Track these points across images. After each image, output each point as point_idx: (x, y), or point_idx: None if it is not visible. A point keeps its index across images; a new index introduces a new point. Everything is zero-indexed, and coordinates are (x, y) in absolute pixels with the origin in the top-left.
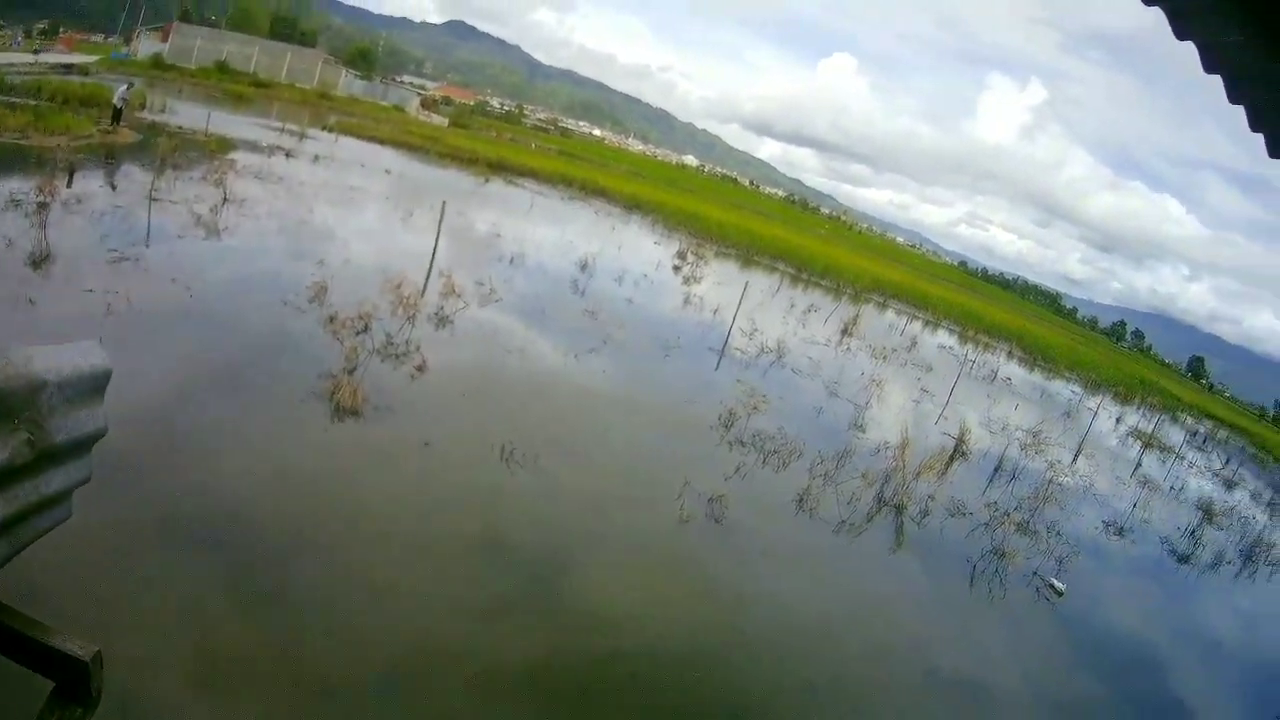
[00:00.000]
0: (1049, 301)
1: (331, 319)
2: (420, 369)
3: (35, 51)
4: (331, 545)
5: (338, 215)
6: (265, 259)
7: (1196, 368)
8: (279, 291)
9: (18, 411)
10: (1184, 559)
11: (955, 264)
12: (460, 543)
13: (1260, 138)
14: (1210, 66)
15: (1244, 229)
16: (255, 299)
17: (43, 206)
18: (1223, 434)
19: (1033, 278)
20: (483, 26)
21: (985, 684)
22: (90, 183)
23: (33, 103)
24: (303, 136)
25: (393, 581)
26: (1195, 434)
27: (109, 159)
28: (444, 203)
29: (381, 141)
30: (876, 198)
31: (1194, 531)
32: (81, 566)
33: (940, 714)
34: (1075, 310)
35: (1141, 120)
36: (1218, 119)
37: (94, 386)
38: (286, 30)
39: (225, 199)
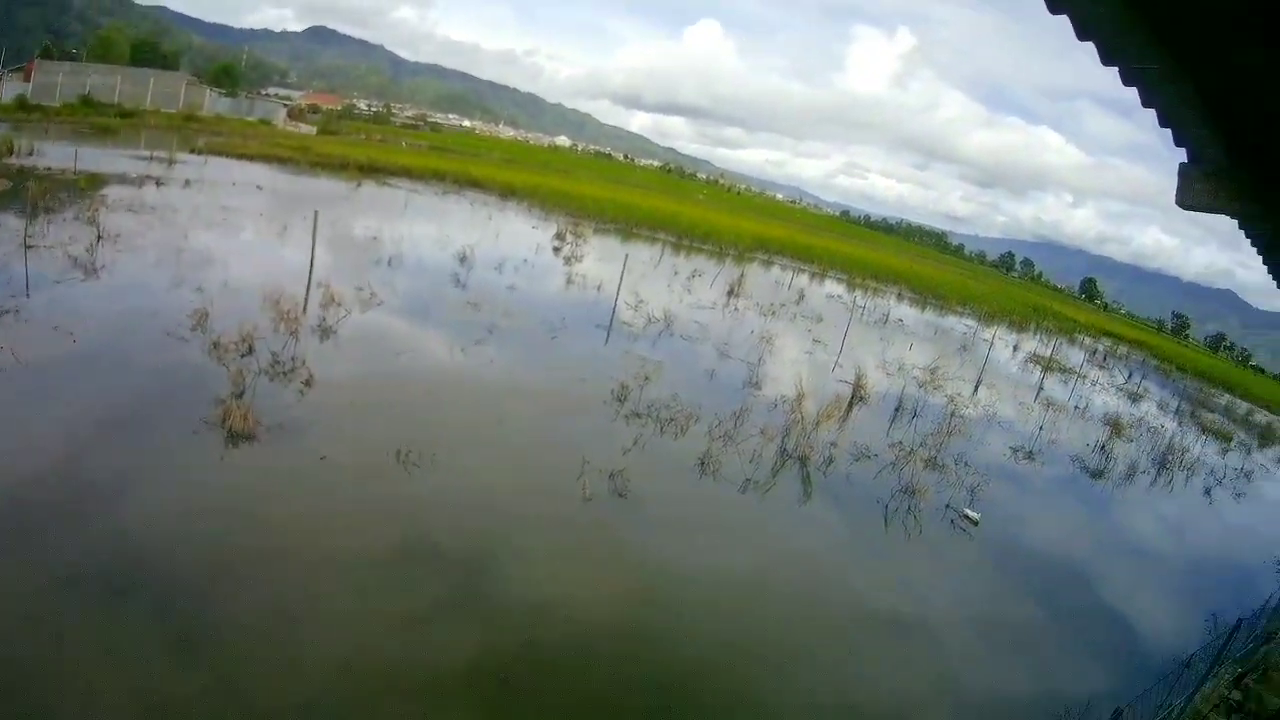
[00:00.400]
0: (934, 241)
1: (215, 344)
2: (308, 383)
3: None
4: (246, 574)
5: (213, 238)
6: (145, 293)
7: (1089, 289)
8: (161, 324)
9: None
10: (1097, 474)
11: (837, 214)
12: (372, 554)
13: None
14: None
15: (1124, 152)
16: (139, 335)
17: None
18: (1123, 350)
19: (916, 219)
20: (344, 29)
21: (917, 620)
22: None
23: None
24: (172, 162)
25: (313, 602)
26: (1095, 353)
27: None
28: (316, 213)
29: (251, 158)
30: (752, 158)
31: (1104, 447)
32: (49, 628)
33: (876, 655)
34: (962, 247)
35: (1012, 56)
36: (1088, 48)
37: None
38: (148, 56)
39: (100, 237)
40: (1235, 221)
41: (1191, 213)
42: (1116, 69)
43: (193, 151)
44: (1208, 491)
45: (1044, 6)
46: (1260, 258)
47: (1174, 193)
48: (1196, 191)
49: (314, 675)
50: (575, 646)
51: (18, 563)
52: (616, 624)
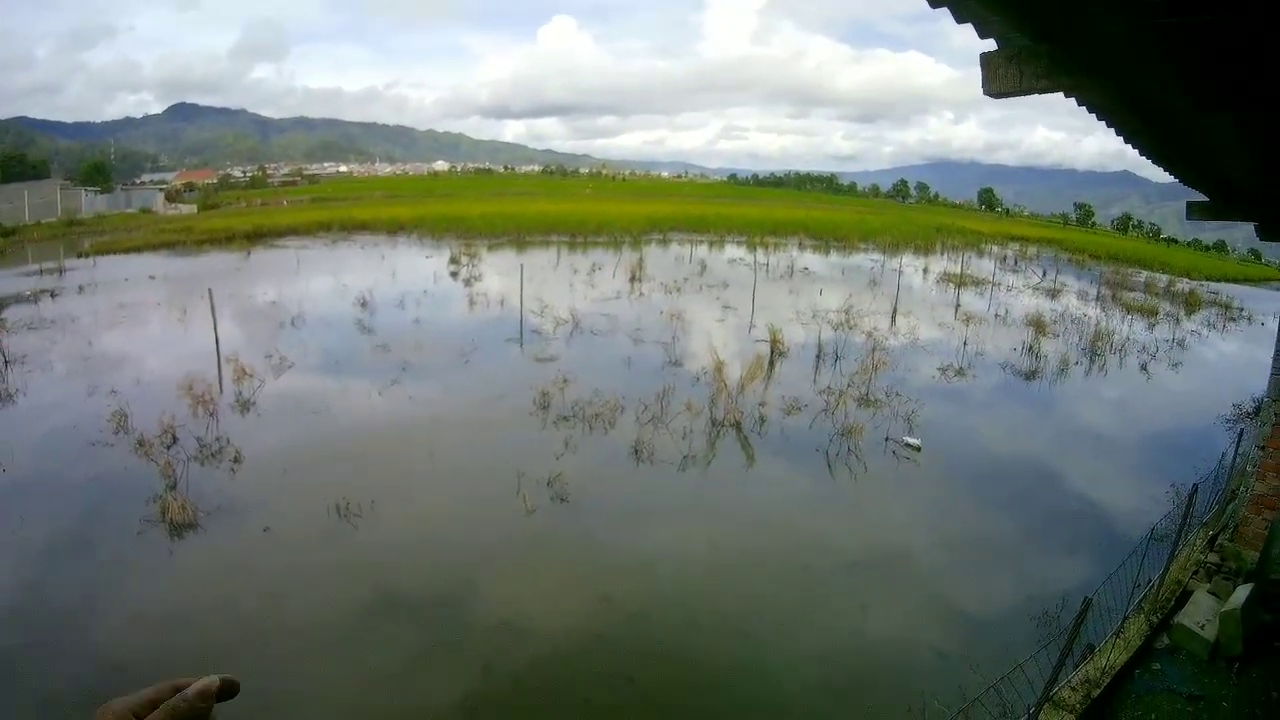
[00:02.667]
0: (825, 184)
1: (140, 443)
2: (237, 460)
3: None
4: (219, 659)
5: (117, 338)
6: (61, 408)
7: (987, 199)
8: (83, 435)
9: None
10: (1029, 375)
11: (724, 179)
12: (334, 614)
13: None
14: None
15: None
16: (64, 450)
17: None
18: (1032, 251)
19: (804, 167)
20: (205, 101)
21: (884, 555)
22: None
23: None
24: (62, 271)
25: (288, 673)
26: (1005, 259)
27: None
28: (210, 290)
29: (139, 249)
30: (630, 142)
31: (1031, 348)
32: None
33: (856, 596)
34: (854, 185)
35: None
36: None
37: None
38: (17, 169)
39: (6, 361)
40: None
41: (1008, 98)
42: None
43: (80, 256)
44: (1144, 368)
45: None
46: (1106, 125)
47: (981, 83)
48: (1001, 77)
49: None
50: (553, 659)
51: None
52: (589, 628)
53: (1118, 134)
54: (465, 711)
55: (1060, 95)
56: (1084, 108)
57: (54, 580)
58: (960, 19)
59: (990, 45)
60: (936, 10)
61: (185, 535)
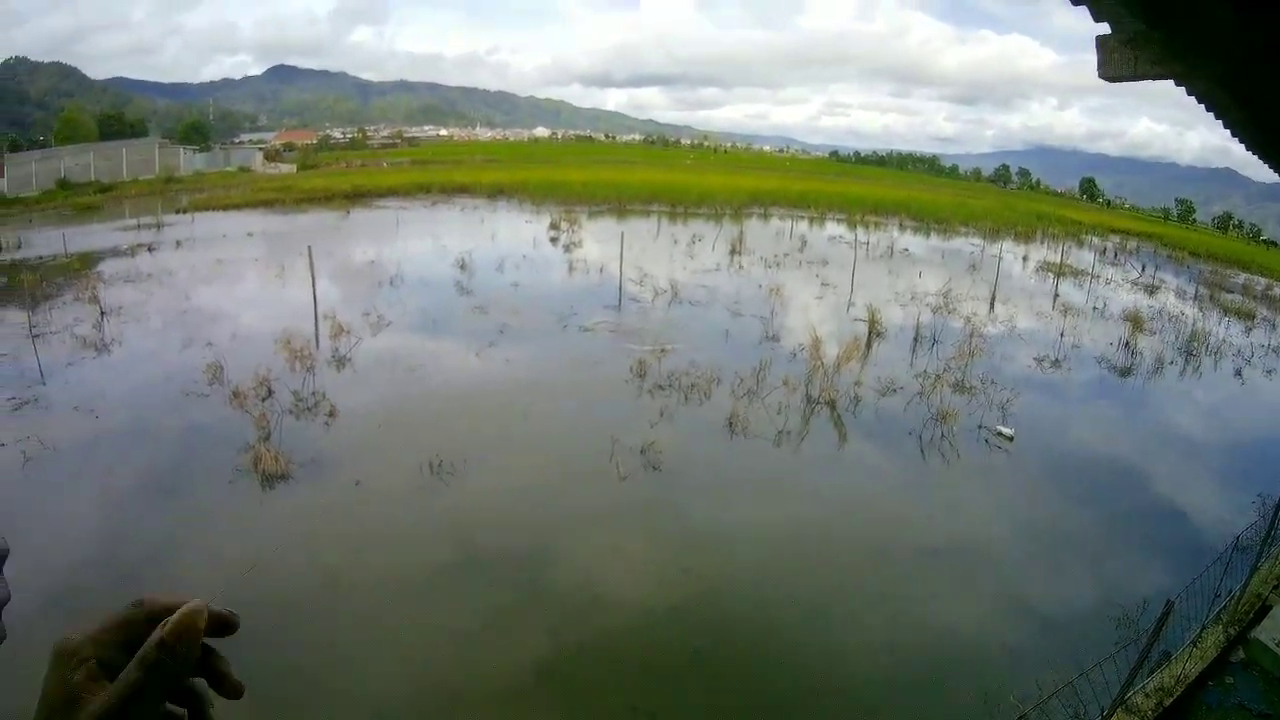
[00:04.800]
0: (927, 166)
1: (235, 394)
2: (332, 414)
3: None
4: (307, 609)
5: (214, 293)
6: (157, 359)
7: (1088, 188)
8: (178, 385)
9: None
10: (1124, 372)
11: (826, 156)
12: (423, 568)
13: None
14: None
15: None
16: (158, 399)
17: None
18: (1132, 244)
19: (905, 147)
20: (304, 64)
21: (969, 543)
22: None
23: None
24: (159, 227)
25: (375, 624)
26: (1105, 251)
27: None
28: (310, 248)
29: (237, 207)
30: (733, 115)
31: (1128, 343)
32: None
33: (937, 582)
34: (955, 167)
35: None
36: None
37: None
38: (116, 128)
39: (104, 313)
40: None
41: (1124, 83)
42: None
43: (178, 212)
44: (1238, 373)
45: None
46: (1213, 117)
47: (1096, 66)
48: (1115, 61)
49: (388, 697)
50: (626, 628)
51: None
52: (666, 599)
53: (1225, 126)
54: (532, 673)
55: (1165, 85)
56: (1193, 98)
57: (142, 525)
58: (1077, 1)
59: (1104, 29)
60: None
61: (276, 485)
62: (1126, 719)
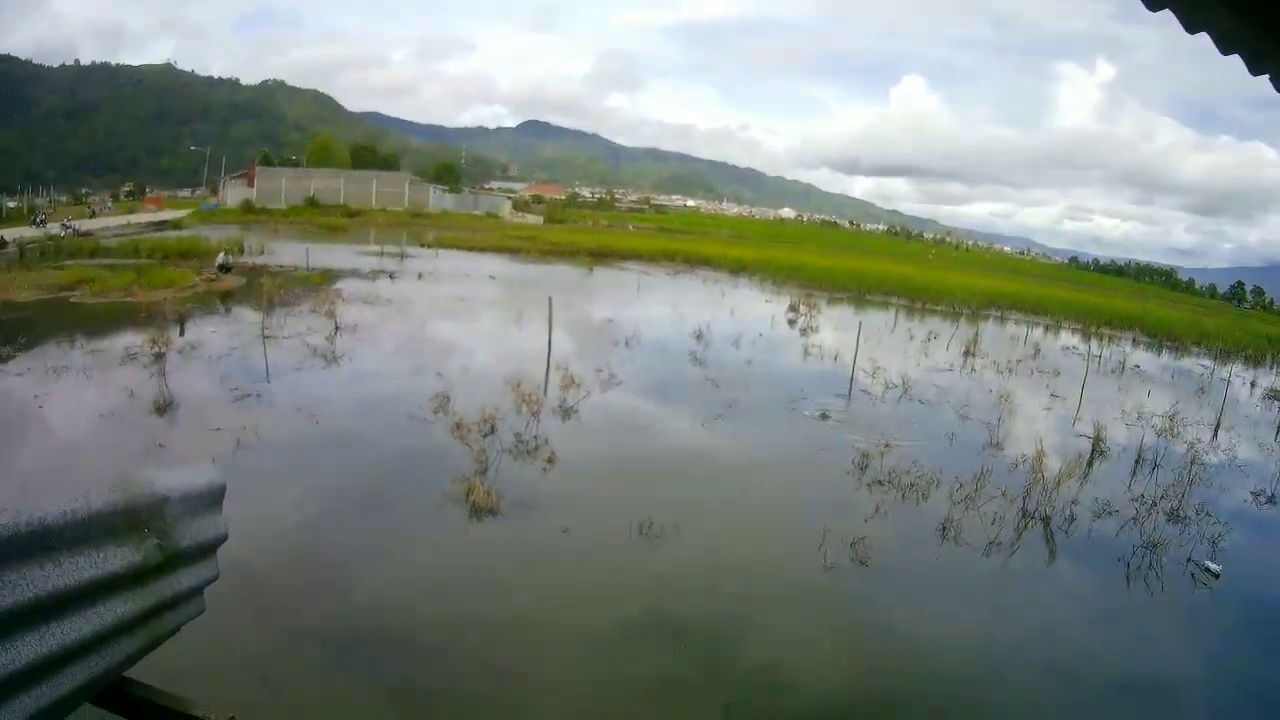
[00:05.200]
0: (1164, 279)
1: (457, 425)
2: (550, 461)
3: (129, 211)
4: (488, 642)
5: (449, 327)
6: (384, 379)
7: None
8: (402, 407)
9: (147, 522)
10: None
11: (1065, 262)
12: (613, 624)
13: None
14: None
15: None
16: (380, 418)
17: (159, 357)
18: None
19: (1144, 257)
20: (558, 122)
21: (1163, 683)
22: (202, 330)
23: (132, 262)
24: (403, 257)
25: (550, 673)
26: None
27: (218, 305)
28: (550, 298)
29: (481, 249)
30: (977, 211)
31: None
32: (261, 673)
33: None
34: (1192, 282)
35: (1212, 71)
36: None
37: (211, 499)
38: (367, 159)
39: (337, 327)
40: None
41: None
42: None
43: (422, 246)
44: None
45: None
46: None
47: None
48: None
49: None
50: (815, 716)
51: (271, 621)
52: (857, 694)
53: None
54: None
55: None
56: None
57: (340, 530)
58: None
59: None
60: None
61: (483, 519)
62: None
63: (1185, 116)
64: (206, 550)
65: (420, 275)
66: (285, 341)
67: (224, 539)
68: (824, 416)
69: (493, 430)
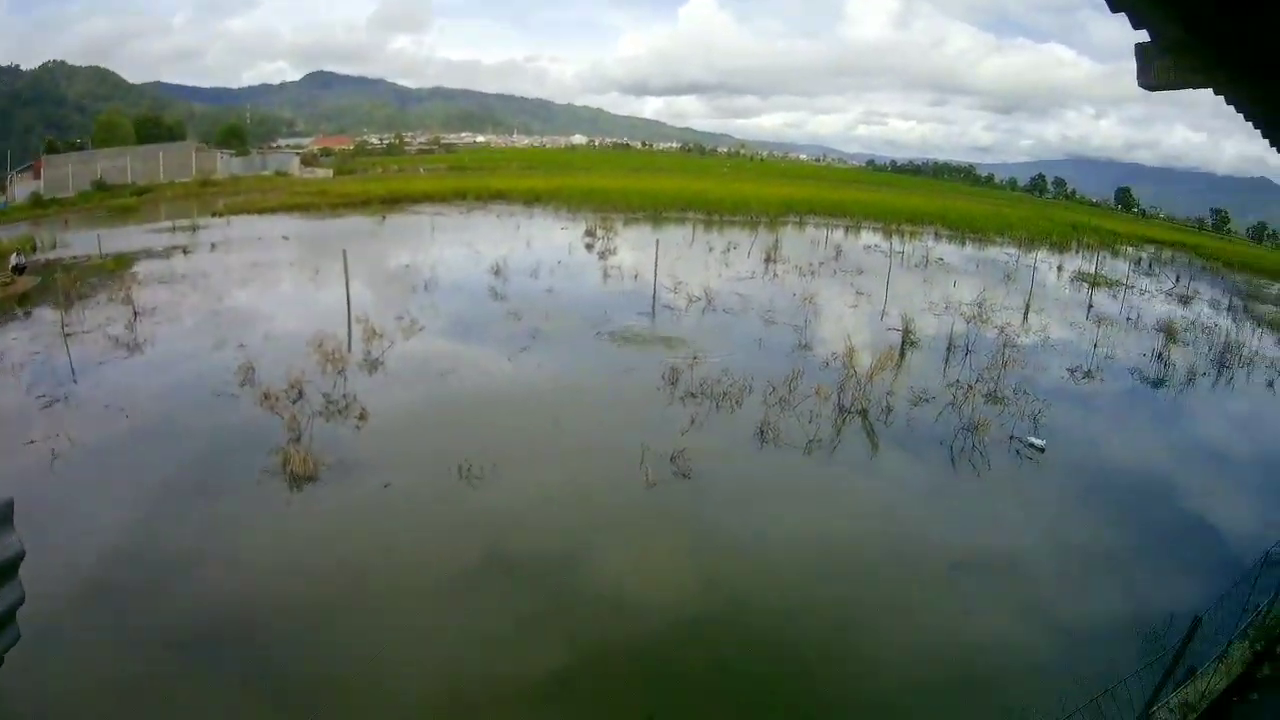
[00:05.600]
0: (963, 175)
1: (266, 395)
2: (362, 417)
3: None
4: (332, 610)
5: (248, 295)
6: (189, 359)
7: (1124, 199)
8: (209, 385)
9: None
10: (1157, 383)
11: (862, 165)
12: (450, 572)
13: None
14: None
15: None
16: (189, 400)
17: None
18: (1166, 254)
19: (942, 157)
20: (343, 70)
21: (998, 555)
22: (3, 339)
23: None
24: (195, 229)
25: (400, 627)
26: (1139, 262)
27: (16, 310)
28: (345, 251)
29: (273, 210)
30: (770, 123)
31: (1160, 355)
32: (108, 689)
33: (966, 595)
34: (991, 176)
35: None
36: None
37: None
38: (153, 132)
39: (137, 313)
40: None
41: (1158, 92)
42: None
43: (214, 215)
44: (1270, 385)
45: None
46: (1253, 126)
47: (1136, 74)
48: (1155, 69)
49: (411, 698)
50: (649, 638)
51: (113, 632)
52: (699, 607)
53: (1264, 136)
54: (554, 680)
55: (1203, 94)
56: (1232, 107)
57: (169, 524)
58: (1115, 8)
59: (1144, 36)
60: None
61: (304, 487)
62: None
63: (981, 21)
64: (5, 573)
65: (213, 246)
66: (87, 336)
67: (20, 557)
68: (629, 337)
69: (301, 395)
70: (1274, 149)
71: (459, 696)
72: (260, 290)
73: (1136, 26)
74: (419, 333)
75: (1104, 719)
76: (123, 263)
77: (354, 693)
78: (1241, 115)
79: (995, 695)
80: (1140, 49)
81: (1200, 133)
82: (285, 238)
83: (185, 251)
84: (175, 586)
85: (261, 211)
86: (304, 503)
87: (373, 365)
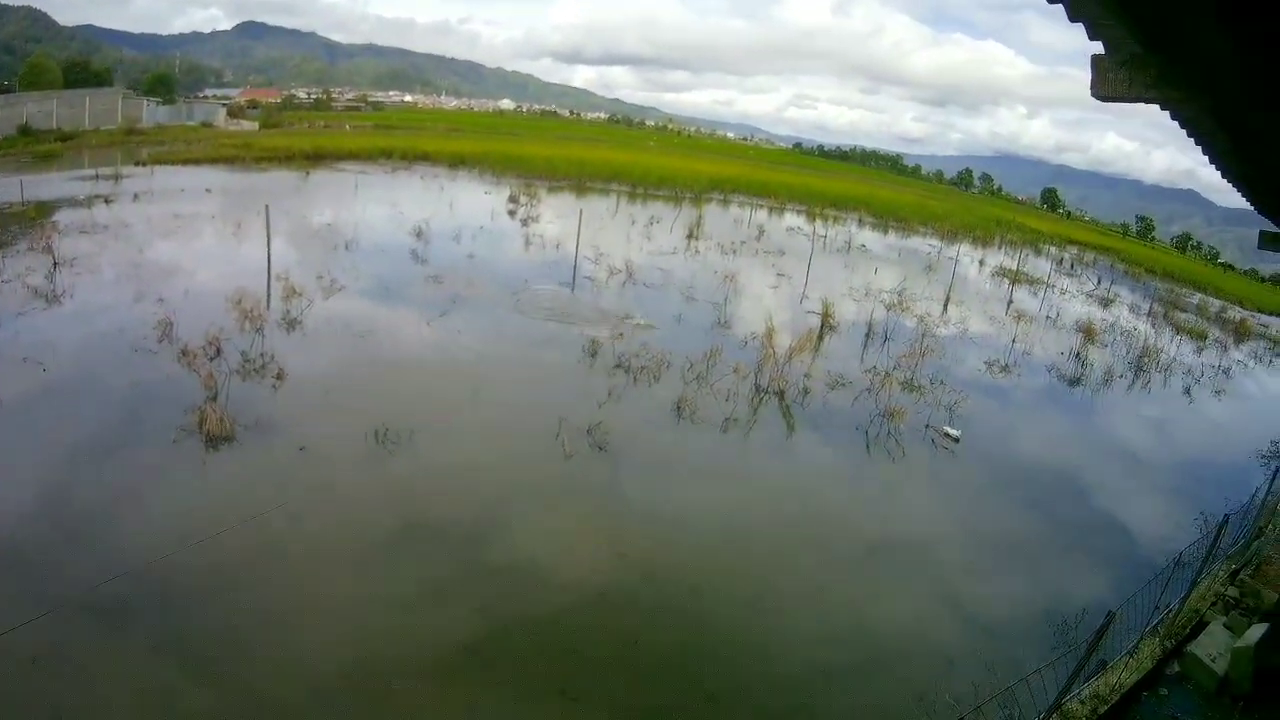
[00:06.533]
0: (890, 164)
1: (184, 352)
2: (279, 377)
3: None
4: (245, 575)
5: (169, 248)
6: (108, 312)
7: (1050, 199)
8: (128, 340)
9: None
10: (1073, 382)
11: (790, 147)
12: (362, 539)
13: None
14: None
15: (1075, 59)
16: (108, 354)
17: None
18: (1089, 256)
19: (870, 144)
20: (275, 21)
21: (910, 541)
22: None
23: None
24: (118, 179)
25: (312, 593)
26: (1062, 261)
27: None
28: (267, 207)
29: (197, 162)
30: (699, 99)
31: (1078, 354)
32: (13, 653)
33: (876, 580)
34: (919, 167)
35: None
36: None
37: None
38: (81, 77)
39: (57, 263)
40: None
41: (1113, 104)
42: None
43: (137, 164)
44: (1187, 391)
45: None
46: (1194, 142)
47: (1090, 85)
48: (1110, 81)
49: (322, 665)
50: (556, 610)
51: (19, 595)
52: (609, 581)
53: (1204, 153)
54: (463, 650)
55: (1138, 105)
56: (1177, 122)
57: (83, 483)
58: (1074, 17)
59: (1098, 48)
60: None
61: (220, 448)
62: None
63: (920, 13)
64: None
65: (136, 196)
66: (6, 286)
67: None
68: (549, 306)
69: (219, 353)
70: (1213, 166)
71: (369, 664)
72: (181, 243)
73: (1093, 38)
74: (339, 292)
75: (1017, 707)
76: (44, 211)
77: (264, 659)
78: (1185, 132)
79: (905, 680)
80: (1095, 60)
81: (1132, 141)
82: (208, 190)
83: (108, 201)
84: (87, 548)
85: (186, 162)
86: (220, 464)
87: (291, 324)
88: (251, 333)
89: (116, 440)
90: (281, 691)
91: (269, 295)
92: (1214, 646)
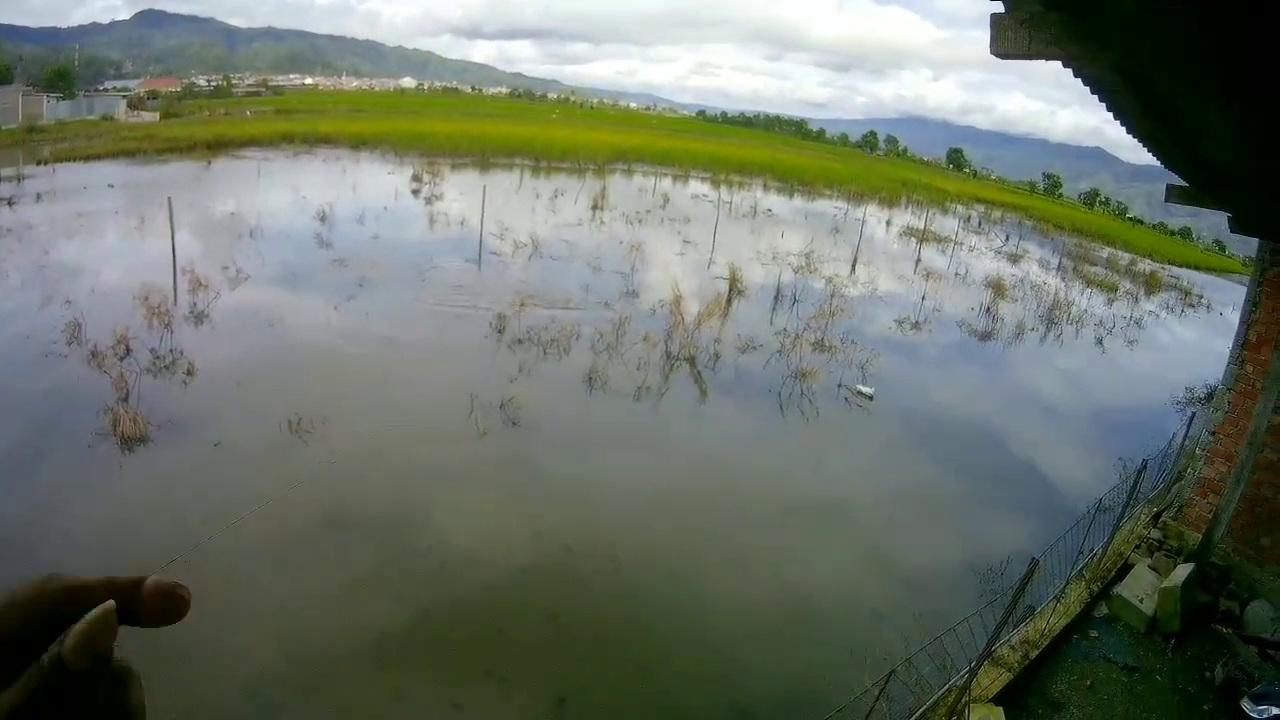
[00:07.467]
0: (794, 129)
1: (93, 353)
2: (190, 372)
3: None
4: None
5: (73, 247)
6: (13, 317)
7: (956, 159)
8: (35, 345)
9: None
10: (985, 336)
11: (693, 115)
12: (284, 531)
13: None
14: None
15: (979, 23)
16: (15, 361)
17: None
18: (997, 214)
19: (774, 110)
20: (173, 8)
21: (837, 502)
22: None
23: None
24: (20, 179)
25: (237, 591)
26: (969, 220)
27: None
28: (170, 199)
29: (100, 157)
30: (601, 71)
31: (989, 309)
32: None
33: (800, 540)
34: (823, 131)
35: None
36: None
37: None
38: None
39: None
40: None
41: (1018, 63)
42: None
43: (39, 163)
44: (1099, 342)
45: None
46: (1098, 99)
47: (989, 43)
48: (1010, 39)
49: (250, 664)
50: (494, 591)
51: None
52: (530, 559)
53: (1109, 109)
54: (390, 637)
55: (1041, 65)
56: (1080, 80)
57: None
58: None
59: (998, 7)
60: None
61: (135, 449)
62: (994, 671)
63: None
64: None
65: (39, 196)
66: None
67: None
68: (456, 284)
69: (129, 352)
70: (1118, 123)
71: (296, 659)
72: (86, 242)
73: None
74: (245, 282)
75: (948, 656)
76: None
77: (185, 658)
78: (1089, 89)
79: (836, 638)
80: (995, 19)
81: (1038, 101)
82: (111, 186)
83: (10, 203)
84: (4, 562)
85: (88, 158)
86: (136, 465)
87: (199, 318)
88: (160, 329)
89: (30, 447)
90: (207, 692)
91: (175, 290)
92: (1140, 588)
